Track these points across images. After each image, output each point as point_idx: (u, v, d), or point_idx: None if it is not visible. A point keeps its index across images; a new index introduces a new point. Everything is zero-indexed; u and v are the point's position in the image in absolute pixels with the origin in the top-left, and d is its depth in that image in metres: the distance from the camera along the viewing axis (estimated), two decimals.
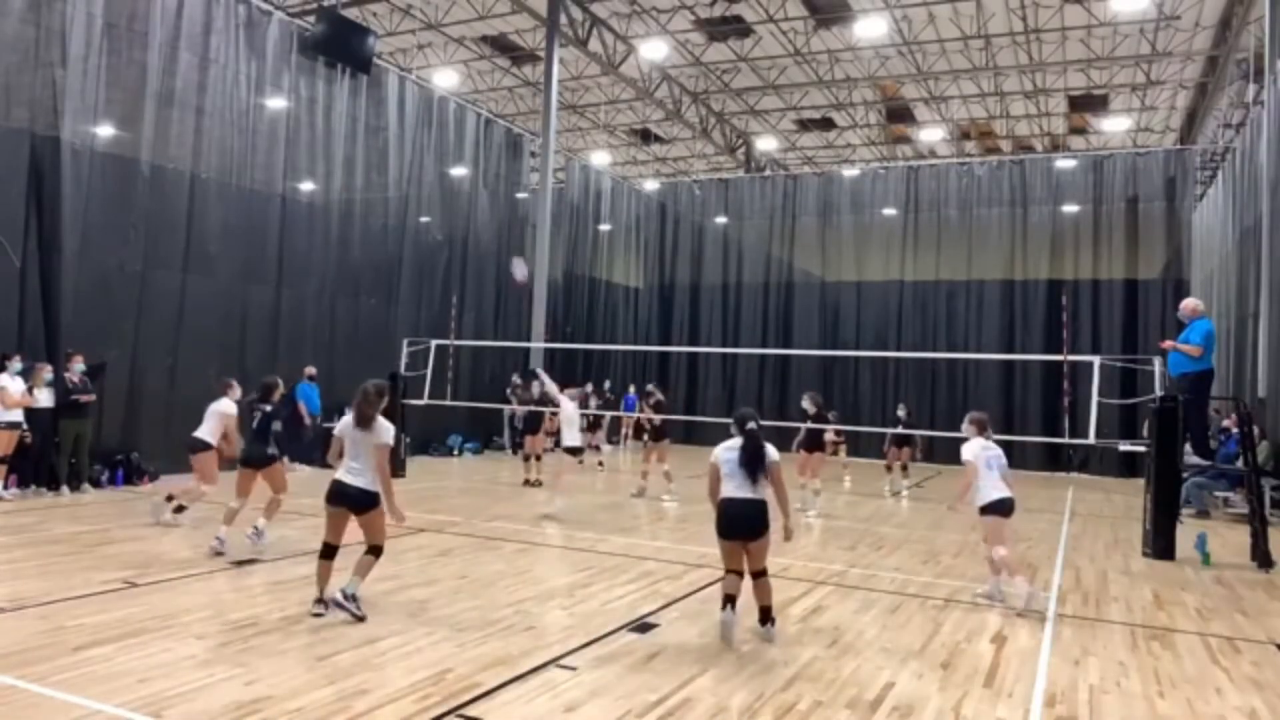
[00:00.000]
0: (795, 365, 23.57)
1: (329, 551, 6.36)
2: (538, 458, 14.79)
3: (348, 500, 6.29)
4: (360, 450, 6.30)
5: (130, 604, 6.37)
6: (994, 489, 7.29)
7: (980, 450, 7.38)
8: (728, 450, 6.15)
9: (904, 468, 15.99)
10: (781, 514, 6.13)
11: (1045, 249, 21.66)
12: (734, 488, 6.05)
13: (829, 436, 15.79)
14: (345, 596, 6.16)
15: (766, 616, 6.16)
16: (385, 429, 6.34)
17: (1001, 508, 7.29)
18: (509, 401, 19.35)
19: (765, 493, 6.09)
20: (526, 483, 14.34)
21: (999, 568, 7.39)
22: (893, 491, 15.33)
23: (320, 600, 6.28)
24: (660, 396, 14.51)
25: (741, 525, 6.03)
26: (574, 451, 11.98)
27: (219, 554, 8.03)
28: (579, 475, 14.94)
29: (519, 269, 14.13)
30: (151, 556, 8.02)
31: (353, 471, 6.30)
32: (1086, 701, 5.14)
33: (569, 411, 11.93)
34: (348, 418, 6.42)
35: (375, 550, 6.36)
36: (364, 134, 17.29)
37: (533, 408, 15.30)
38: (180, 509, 9.48)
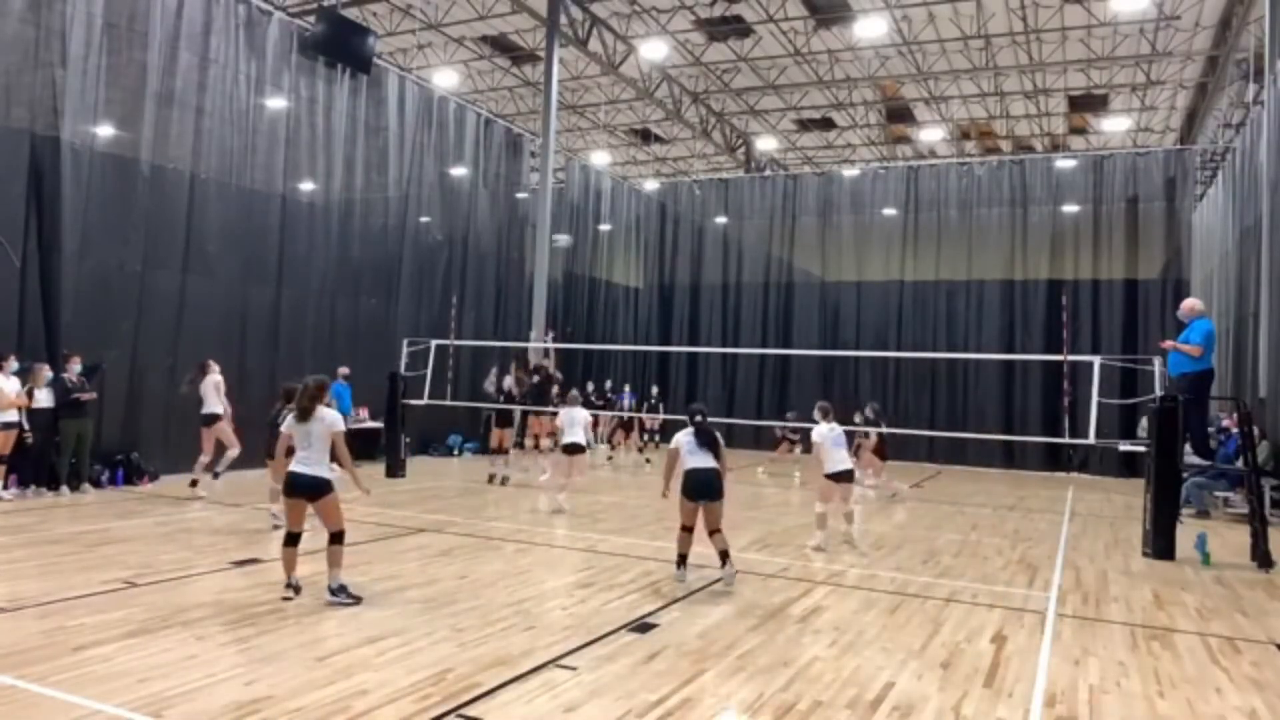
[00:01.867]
0: (795, 365, 23.56)
1: (292, 539, 6.74)
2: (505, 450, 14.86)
3: (301, 489, 6.64)
4: (310, 441, 6.66)
5: (130, 604, 6.38)
6: (840, 462, 9.77)
7: (827, 432, 9.81)
8: (686, 435, 7.70)
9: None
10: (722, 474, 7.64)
11: (1045, 249, 21.64)
12: (696, 461, 7.60)
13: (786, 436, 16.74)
14: (332, 593, 6.55)
15: (725, 559, 7.57)
16: (330, 417, 6.77)
17: (845, 476, 9.82)
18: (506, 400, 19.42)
19: (716, 464, 7.61)
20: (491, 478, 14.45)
21: (823, 522, 9.69)
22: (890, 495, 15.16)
23: (289, 585, 6.68)
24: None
25: (703, 488, 7.56)
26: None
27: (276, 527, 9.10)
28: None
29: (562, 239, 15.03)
30: (151, 556, 8.03)
31: (303, 462, 6.65)
32: (1086, 701, 5.15)
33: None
34: (291, 415, 6.81)
35: (337, 537, 6.66)
36: (364, 134, 17.28)
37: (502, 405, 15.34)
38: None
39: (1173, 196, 20.77)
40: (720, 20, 21.64)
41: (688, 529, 7.69)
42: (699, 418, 7.77)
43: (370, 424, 16.87)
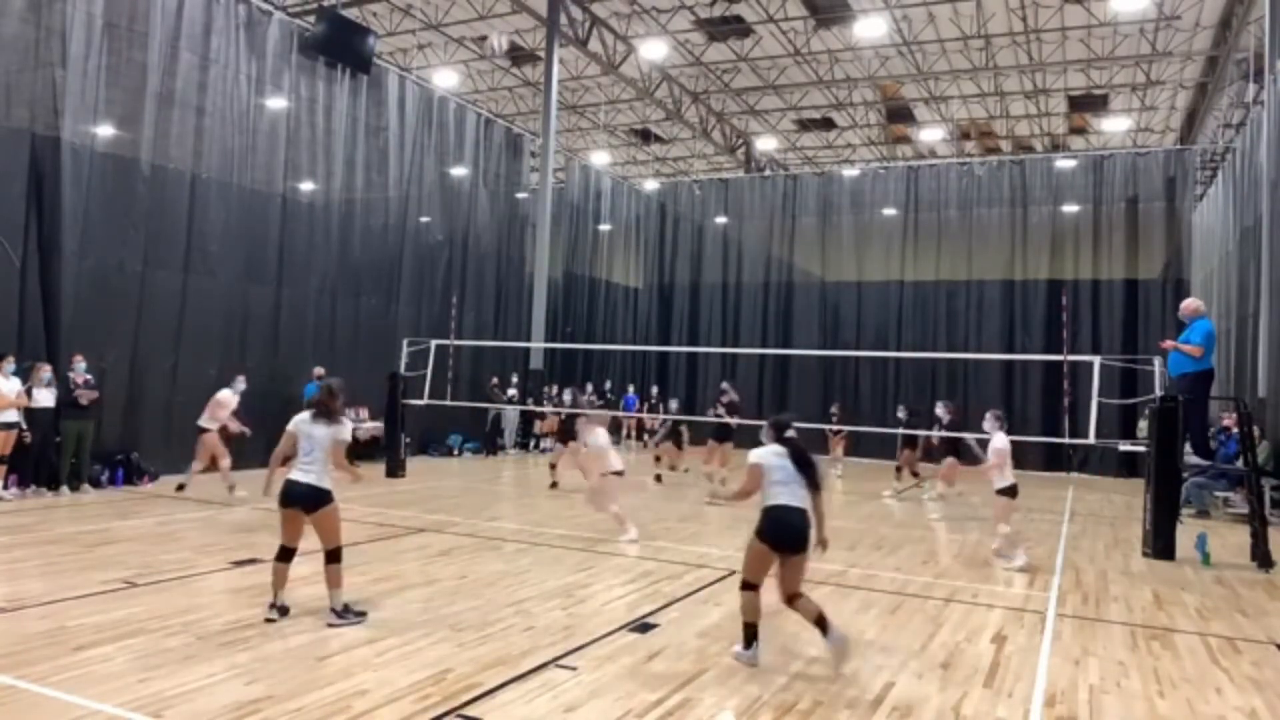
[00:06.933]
0: (795, 365, 23.55)
1: (284, 554, 6.17)
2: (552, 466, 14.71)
3: (296, 499, 6.11)
4: (314, 445, 6.15)
5: (130, 604, 6.38)
6: (1011, 477, 9.04)
7: (1006, 443, 9.05)
8: (778, 455, 5.66)
9: (898, 470, 15.65)
10: (819, 527, 5.71)
11: (1045, 249, 21.64)
12: (787, 496, 5.56)
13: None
14: (337, 615, 6.09)
15: (825, 625, 5.49)
16: (346, 425, 6.30)
17: (1013, 492, 9.06)
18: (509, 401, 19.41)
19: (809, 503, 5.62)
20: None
21: (1015, 539, 9.14)
22: (897, 494, 14.95)
23: (274, 605, 6.14)
24: (734, 396, 14.41)
25: (794, 536, 5.50)
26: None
27: None
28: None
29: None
30: (151, 556, 8.03)
31: (303, 469, 6.14)
32: (1086, 701, 5.15)
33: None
34: (304, 414, 6.29)
35: (333, 555, 6.13)
36: (364, 134, 17.29)
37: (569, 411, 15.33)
38: None
39: (1173, 196, 20.77)
40: (720, 20, 21.64)
41: (754, 586, 5.57)
42: (790, 432, 5.76)
43: (369, 424, 16.86)
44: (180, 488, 11.72)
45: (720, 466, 13.56)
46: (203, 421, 11.54)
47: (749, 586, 5.57)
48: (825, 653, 5.53)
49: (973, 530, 11.51)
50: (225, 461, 11.53)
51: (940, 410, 13.73)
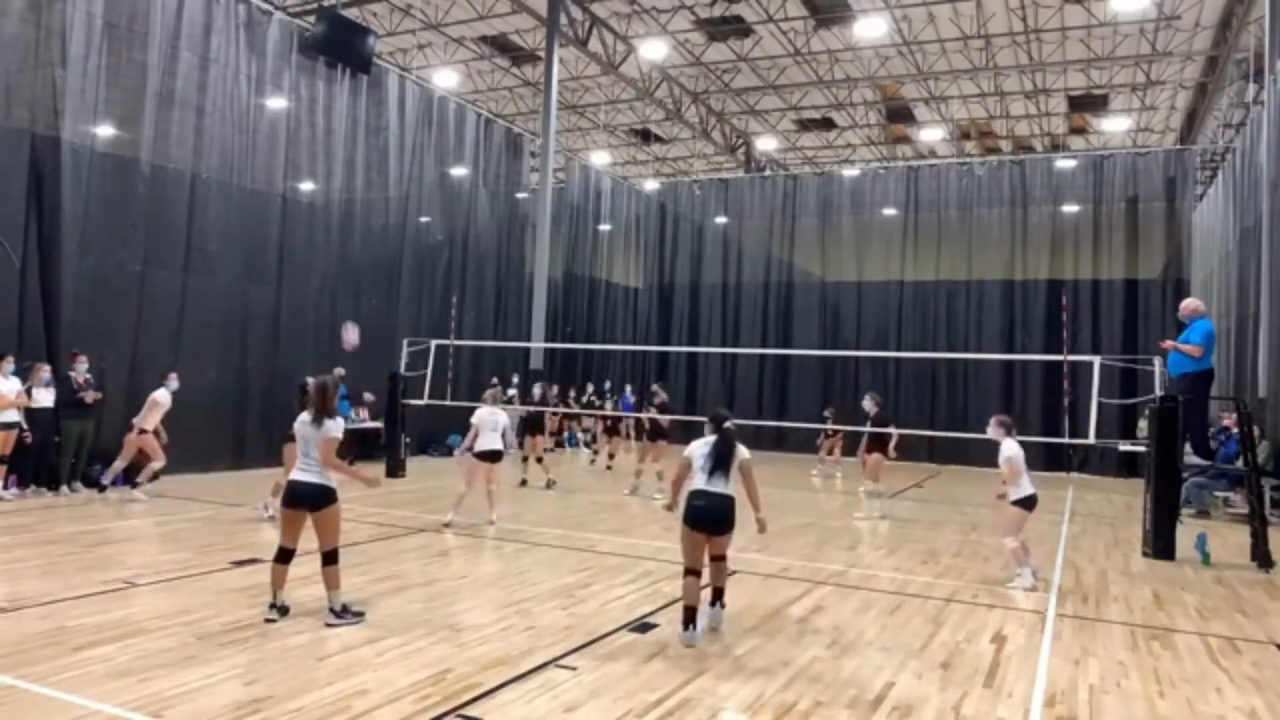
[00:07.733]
0: (795, 365, 23.54)
1: (284, 555, 6.20)
2: (539, 459, 14.83)
3: (303, 498, 6.15)
4: (311, 446, 6.21)
5: (130, 604, 6.38)
6: (1030, 485, 8.17)
7: (1020, 451, 8.24)
8: (703, 446, 6.26)
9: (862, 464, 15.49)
10: (754, 509, 6.34)
11: (1045, 249, 21.64)
12: (706, 481, 6.12)
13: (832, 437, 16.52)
14: (335, 615, 6.11)
15: (718, 597, 6.40)
16: (329, 422, 6.24)
17: (1030, 504, 8.15)
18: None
19: (736, 490, 6.18)
20: (524, 483, 14.39)
21: (1023, 555, 8.22)
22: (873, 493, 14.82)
23: (274, 605, 6.17)
24: (665, 397, 14.57)
25: (711, 517, 6.05)
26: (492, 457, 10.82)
27: None
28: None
29: (350, 333, 14.39)
30: (151, 556, 8.03)
31: (305, 468, 6.19)
32: (1086, 701, 5.15)
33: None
34: (303, 415, 6.32)
35: (330, 557, 6.16)
36: (364, 134, 17.28)
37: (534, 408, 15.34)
38: None
39: (1173, 196, 20.76)
40: (720, 20, 21.65)
41: (694, 572, 6.06)
42: (727, 424, 6.33)
43: (370, 424, 16.87)
44: (102, 489, 11.56)
45: (654, 463, 13.80)
46: (138, 420, 11.40)
47: (690, 572, 6.08)
48: (703, 617, 6.18)
49: (972, 530, 11.51)
50: (158, 464, 11.48)
51: (867, 403, 13.02)
